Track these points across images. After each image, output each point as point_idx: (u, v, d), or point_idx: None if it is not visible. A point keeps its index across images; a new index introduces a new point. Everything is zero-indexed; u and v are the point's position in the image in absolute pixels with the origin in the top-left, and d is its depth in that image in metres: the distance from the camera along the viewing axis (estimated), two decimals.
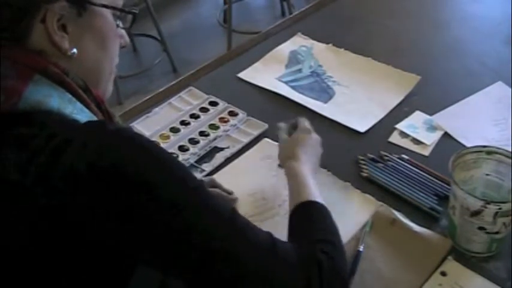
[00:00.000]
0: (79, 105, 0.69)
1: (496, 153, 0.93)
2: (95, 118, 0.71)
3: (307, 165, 0.93)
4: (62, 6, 0.68)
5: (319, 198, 0.85)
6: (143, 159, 0.65)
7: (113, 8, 0.74)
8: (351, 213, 1.00)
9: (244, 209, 1.03)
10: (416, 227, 0.96)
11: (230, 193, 1.06)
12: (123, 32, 0.79)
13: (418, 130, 1.18)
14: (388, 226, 0.97)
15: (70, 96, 0.69)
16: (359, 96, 1.30)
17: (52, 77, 0.68)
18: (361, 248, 0.93)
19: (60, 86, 0.68)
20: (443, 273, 0.89)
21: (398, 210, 0.99)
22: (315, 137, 1.01)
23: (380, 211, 1.00)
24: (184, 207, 0.66)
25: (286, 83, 1.36)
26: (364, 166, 1.09)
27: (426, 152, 1.13)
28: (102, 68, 0.76)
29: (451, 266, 0.90)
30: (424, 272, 0.89)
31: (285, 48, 1.48)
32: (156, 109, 1.29)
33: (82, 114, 0.69)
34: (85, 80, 0.72)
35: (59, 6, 0.68)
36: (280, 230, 0.97)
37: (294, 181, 0.90)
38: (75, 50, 0.70)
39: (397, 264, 0.91)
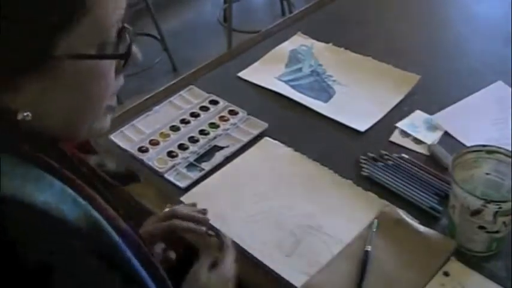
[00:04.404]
0: None
1: (496, 152, 0.93)
2: None
3: None
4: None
5: None
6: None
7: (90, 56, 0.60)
8: (354, 212, 1.00)
9: (244, 209, 1.03)
10: (421, 227, 0.95)
11: (204, 213, 0.97)
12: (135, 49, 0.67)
13: (418, 129, 1.18)
14: (392, 226, 0.96)
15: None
16: (359, 96, 1.30)
17: None
18: (369, 249, 0.93)
19: None
20: (446, 274, 0.89)
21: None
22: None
23: (385, 211, 0.99)
24: None
25: (286, 82, 1.36)
26: (364, 165, 1.09)
27: (426, 152, 1.13)
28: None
29: (454, 266, 0.90)
30: (427, 272, 0.89)
31: (285, 47, 1.48)
32: (157, 107, 1.28)
33: None
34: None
35: None
36: (280, 230, 0.98)
37: None
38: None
39: (401, 264, 0.91)
